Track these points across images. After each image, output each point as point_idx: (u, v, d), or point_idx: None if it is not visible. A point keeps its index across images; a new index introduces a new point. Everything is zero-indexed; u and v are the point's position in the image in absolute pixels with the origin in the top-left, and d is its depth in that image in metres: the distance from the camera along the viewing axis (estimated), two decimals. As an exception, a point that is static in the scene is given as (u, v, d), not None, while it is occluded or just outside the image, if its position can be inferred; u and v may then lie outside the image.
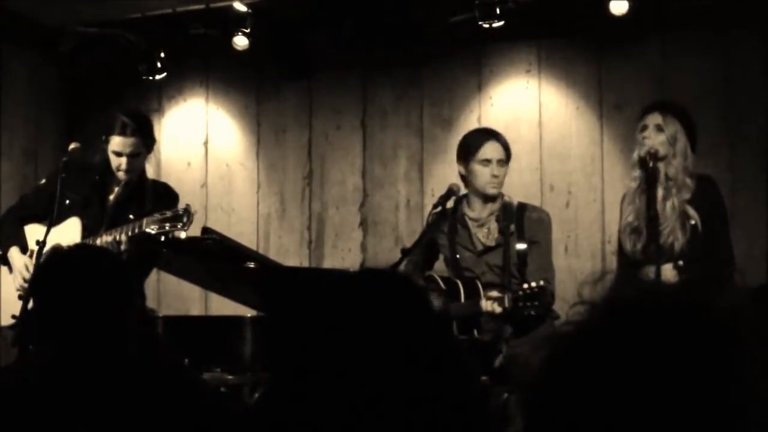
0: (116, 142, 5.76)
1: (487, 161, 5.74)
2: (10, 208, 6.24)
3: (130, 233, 5.47)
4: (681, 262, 5.37)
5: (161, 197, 5.85)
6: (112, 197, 5.88)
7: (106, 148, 5.81)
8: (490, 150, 5.76)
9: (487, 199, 5.80)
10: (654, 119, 5.50)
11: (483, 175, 5.74)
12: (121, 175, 5.80)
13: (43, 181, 6.15)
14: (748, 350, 1.06)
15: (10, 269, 5.91)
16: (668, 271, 5.38)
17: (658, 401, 1.04)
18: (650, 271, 5.36)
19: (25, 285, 5.71)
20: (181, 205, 5.53)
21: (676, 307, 1.11)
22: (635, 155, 5.47)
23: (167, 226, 5.37)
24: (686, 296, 1.13)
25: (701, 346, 1.07)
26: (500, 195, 5.83)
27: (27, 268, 5.74)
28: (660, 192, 5.43)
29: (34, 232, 5.84)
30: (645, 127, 5.50)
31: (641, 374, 1.06)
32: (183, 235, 5.42)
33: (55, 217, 5.57)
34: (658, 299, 1.13)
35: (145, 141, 5.87)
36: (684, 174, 5.43)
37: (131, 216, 5.56)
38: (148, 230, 5.39)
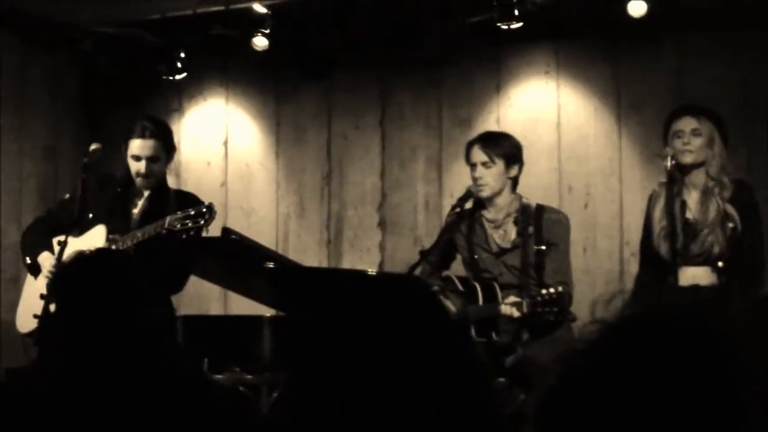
0: (135, 145, 5.78)
1: (473, 165, 5.80)
2: (36, 220, 6.26)
3: (153, 232, 5.50)
4: (720, 264, 5.37)
5: (185, 206, 5.83)
6: (136, 210, 5.88)
7: (126, 157, 5.83)
8: (472, 154, 5.83)
9: (492, 201, 5.83)
10: (688, 124, 5.47)
11: (472, 178, 5.81)
12: (140, 181, 5.81)
13: (67, 195, 6.17)
14: (753, 369, 1.09)
15: (36, 276, 5.92)
16: (706, 274, 5.39)
17: (665, 419, 1.07)
18: (684, 273, 5.36)
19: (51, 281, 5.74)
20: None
21: (684, 328, 1.13)
22: (669, 162, 5.40)
23: (189, 223, 5.41)
24: (696, 316, 1.15)
25: (707, 365, 1.09)
26: (518, 197, 5.85)
27: (50, 265, 5.77)
28: (697, 195, 5.44)
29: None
30: (681, 133, 5.46)
31: (649, 393, 1.09)
32: (205, 232, 5.47)
33: (79, 223, 5.61)
34: (668, 320, 1.16)
35: (165, 145, 5.88)
36: (723, 173, 5.43)
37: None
38: (170, 228, 5.43)
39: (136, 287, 3.06)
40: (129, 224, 5.80)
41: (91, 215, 5.77)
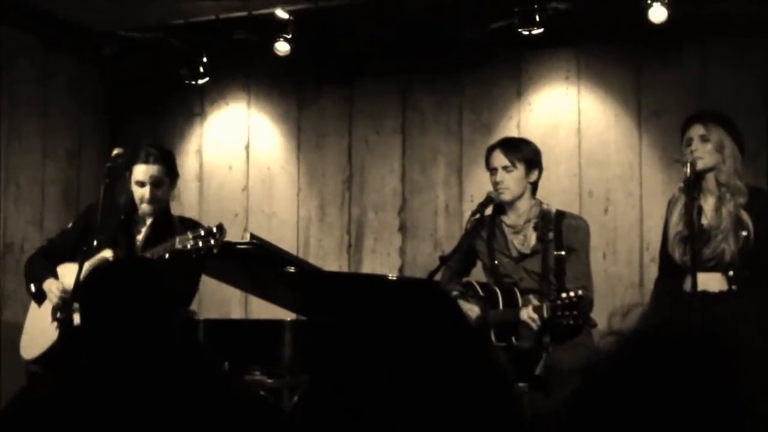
0: (139, 171, 5.79)
1: (493, 170, 5.84)
2: (38, 250, 6.26)
3: (162, 252, 5.49)
4: (731, 273, 5.37)
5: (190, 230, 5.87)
6: (140, 237, 5.89)
7: (129, 184, 5.83)
8: (493, 159, 5.88)
9: (512, 206, 5.85)
10: (697, 131, 5.49)
11: (492, 183, 5.84)
12: (144, 207, 5.81)
13: (70, 225, 6.20)
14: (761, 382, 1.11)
15: (40, 303, 5.96)
16: (717, 280, 5.39)
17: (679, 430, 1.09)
18: (698, 279, 5.37)
19: (59, 302, 5.77)
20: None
21: (697, 340, 1.15)
22: (688, 167, 5.40)
23: (199, 243, 5.39)
24: (710, 328, 1.17)
25: (718, 378, 1.11)
26: (537, 203, 5.87)
27: (58, 290, 5.79)
28: (712, 200, 5.44)
29: (64, 270, 5.90)
30: (690, 141, 5.49)
31: (662, 407, 1.11)
32: (215, 251, 5.44)
33: (96, 253, 5.64)
34: (682, 332, 1.18)
35: (168, 171, 5.88)
36: (735, 178, 5.43)
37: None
38: (180, 247, 5.43)
39: (167, 292, 3.08)
40: (133, 251, 5.82)
41: (96, 242, 5.77)
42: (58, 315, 5.78)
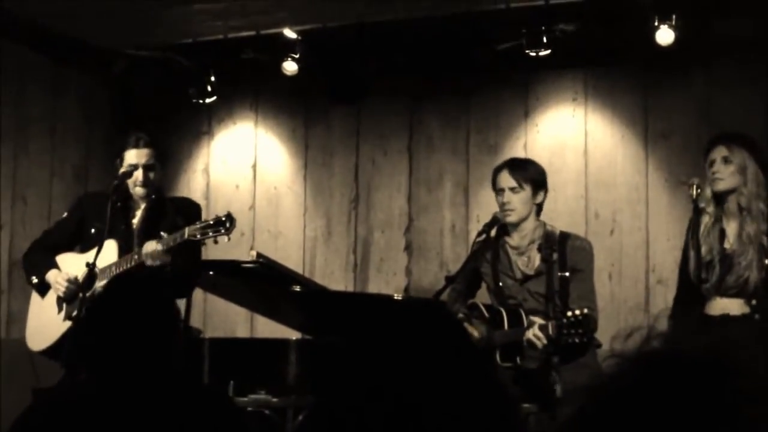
0: (131, 155, 5.81)
1: (500, 191, 5.84)
2: (34, 243, 6.24)
3: (173, 243, 5.53)
4: (754, 302, 5.32)
5: (186, 207, 5.93)
6: (136, 220, 5.90)
7: (121, 169, 5.83)
8: (500, 180, 5.86)
9: (517, 227, 5.85)
10: (719, 152, 5.44)
11: (499, 204, 5.84)
12: (138, 190, 5.82)
13: (65, 215, 6.22)
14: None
15: (43, 295, 5.97)
16: (739, 306, 5.36)
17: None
18: (718, 304, 5.35)
19: (67, 292, 5.78)
20: (206, 215, 5.61)
21: (702, 364, 1.16)
22: (694, 191, 5.39)
23: (210, 232, 5.43)
24: (714, 351, 1.17)
25: (721, 403, 1.12)
26: (541, 224, 5.87)
27: (64, 280, 5.80)
28: (735, 224, 5.41)
29: (64, 260, 5.94)
30: (713, 162, 5.46)
31: (667, 429, 1.11)
32: (226, 239, 5.47)
33: (99, 239, 5.64)
34: (684, 355, 1.18)
35: (158, 156, 5.92)
36: (758, 201, 5.38)
37: (162, 233, 5.59)
38: (191, 238, 5.46)
39: (171, 309, 3.09)
40: (132, 236, 5.84)
41: (93, 230, 5.82)
42: (66, 306, 5.80)
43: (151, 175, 5.86)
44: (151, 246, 5.56)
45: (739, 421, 1.10)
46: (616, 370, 1.19)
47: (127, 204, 5.91)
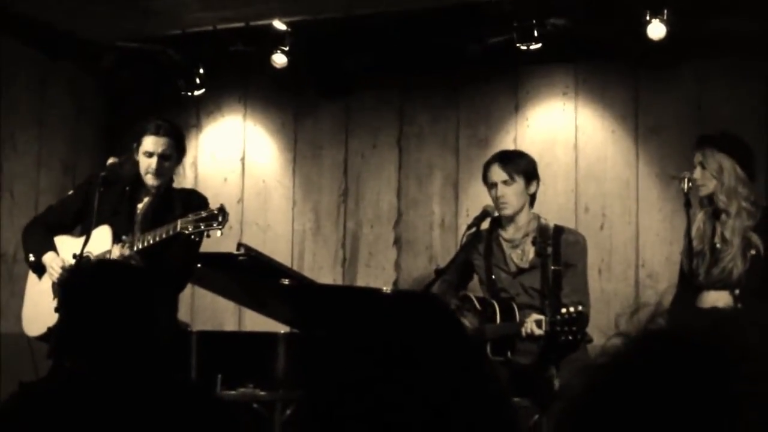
0: (149, 142, 5.73)
1: (493, 185, 5.82)
2: (36, 218, 6.17)
3: (164, 235, 5.47)
4: (737, 291, 5.36)
5: (191, 201, 5.78)
6: (140, 207, 5.84)
7: (136, 155, 5.78)
8: (492, 174, 5.85)
9: (511, 220, 5.84)
10: (697, 158, 5.50)
11: (492, 198, 5.83)
12: (149, 178, 5.74)
13: (71, 192, 6.15)
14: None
15: (40, 275, 5.89)
16: (725, 298, 5.38)
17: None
18: (707, 297, 5.37)
19: (61, 279, 5.72)
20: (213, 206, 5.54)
21: (704, 345, 1.14)
22: (686, 184, 5.44)
23: (202, 226, 5.37)
24: (718, 334, 1.15)
25: (721, 383, 1.10)
26: (535, 217, 5.86)
27: (59, 267, 5.74)
28: (720, 223, 5.44)
29: (62, 243, 5.85)
30: (694, 167, 5.51)
31: (670, 407, 1.09)
32: (219, 233, 5.42)
33: (87, 228, 5.59)
34: (689, 335, 1.16)
35: (178, 145, 5.84)
36: (739, 200, 5.41)
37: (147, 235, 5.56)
38: (183, 231, 5.41)
39: (146, 299, 3.04)
40: (132, 223, 5.77)
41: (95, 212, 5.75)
42: (60, 293, 5.74)
43: (166, 164, 5.78)
44: (116, 251, 5.53)
45: (741, 400, 1.08)
46: (620, 350, 1.17)
47: (136, 190, 5.86)
